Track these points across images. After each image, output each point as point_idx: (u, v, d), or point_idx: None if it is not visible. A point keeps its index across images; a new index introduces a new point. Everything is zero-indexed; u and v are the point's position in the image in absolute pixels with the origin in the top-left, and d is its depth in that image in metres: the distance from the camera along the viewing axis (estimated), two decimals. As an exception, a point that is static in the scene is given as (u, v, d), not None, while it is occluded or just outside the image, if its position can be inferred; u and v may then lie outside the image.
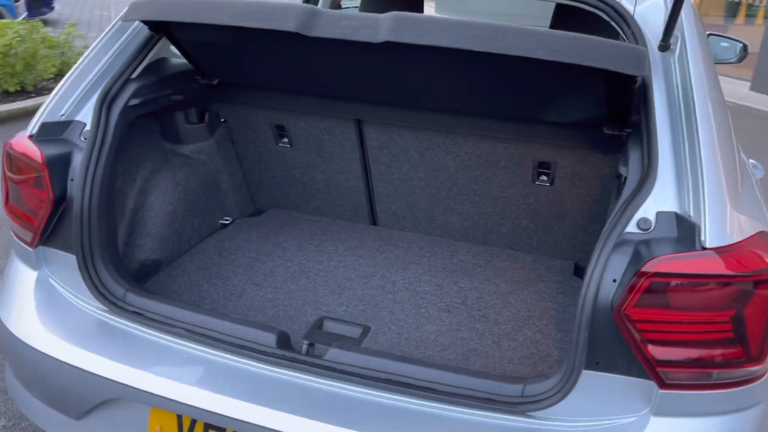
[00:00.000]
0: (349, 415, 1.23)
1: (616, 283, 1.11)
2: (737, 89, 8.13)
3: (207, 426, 1.31)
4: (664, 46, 1.33)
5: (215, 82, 1.84)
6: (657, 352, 1.10)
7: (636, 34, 1.36)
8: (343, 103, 1.81)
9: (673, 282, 1.08)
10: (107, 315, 1.45)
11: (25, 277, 1.54)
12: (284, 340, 1.35)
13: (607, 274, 1.12)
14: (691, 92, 1.26)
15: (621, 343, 1.11)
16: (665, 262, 1.07)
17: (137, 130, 1.75)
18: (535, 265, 1.92)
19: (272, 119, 1.95)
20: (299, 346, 1.35)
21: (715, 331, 1.11)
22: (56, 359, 1.39)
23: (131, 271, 1.71)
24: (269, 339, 1.33)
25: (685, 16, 1.38)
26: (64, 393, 1.42)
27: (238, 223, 2.09)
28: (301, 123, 1.91)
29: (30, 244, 1.50)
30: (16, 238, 1.57)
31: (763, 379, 1.18)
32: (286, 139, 1.99)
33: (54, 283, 1.52)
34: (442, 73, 1.53)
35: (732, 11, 10.98)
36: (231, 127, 2.02)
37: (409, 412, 1.24)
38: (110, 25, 1.63)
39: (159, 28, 1.59)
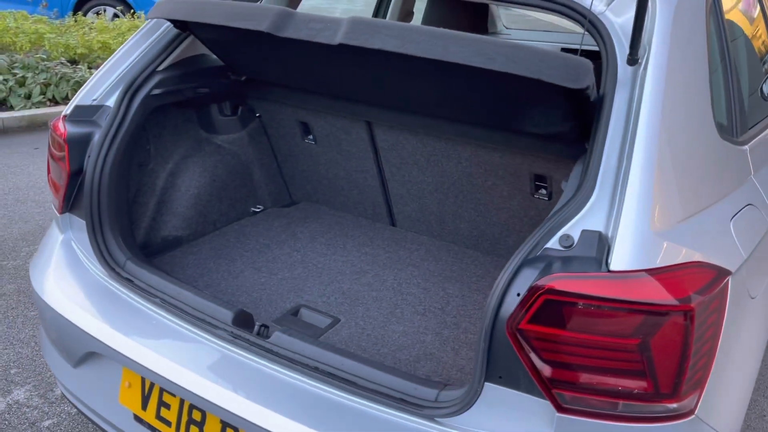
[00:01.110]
0: (274, 397, 1.30)
1: (519, 297, 1.09)
2: None
3: (162, 390, 1.44)
4: (632, 60, 1.27)
5: (243, 78, 1.99)
6: (551, 372, 1.07)
7: (608, 47, 1.31)
8: (354, 105, 1.88)
9: (570, 302, 1.05)
10: (107, 279, 1.63)
11: (53, 239, 1.77)
12: (242, 320, 1.45)
13: (513, 287, 1.10)
14: (640, 107, 1.19)
15: (517, 359, 1.09)
16: (560, 279, 1.04)
17: (172, 118, 1.94)
18: None
19: (297, 116, 2.06)
20: (253, 328, 1.44)
21: (618, 359, 1.06)
22: (56, 311, 1.59)
23: (154, 243, 1.90)
24: (226, 316, 1.44)
25: (660, 26, 1.29)
26: (63, 342, 1.63)
27: (267, 211, 2.24)
28: (320, 121, 2.01)
29: (59, 210, 1.73)
30: (53, 205, 1.81)
31: (688, 419, 1.10)
32: (311, 136, 2.10)
33: (74, 246, 1.73)
34: (429, 80, 1.56)
35: None
36: (265, 122, 2.17)
37: (328, 402, 1.29)
38: (144, 24, 1.83)
39: (183, 27, 1.76)
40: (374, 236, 2.09)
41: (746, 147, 1.60)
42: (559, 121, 1.45)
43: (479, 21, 2.63)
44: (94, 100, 1.73)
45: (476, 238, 1.99)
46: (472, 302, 1.74)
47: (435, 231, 2.08)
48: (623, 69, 1.28)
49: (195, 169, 2.00)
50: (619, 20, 1.36)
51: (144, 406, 1.48)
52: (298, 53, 1.64)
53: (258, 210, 2.23)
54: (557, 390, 1.08)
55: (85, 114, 1.70)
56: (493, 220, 1.90)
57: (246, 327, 1.45)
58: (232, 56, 1.87)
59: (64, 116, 1.71)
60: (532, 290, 1.05)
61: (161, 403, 1.45)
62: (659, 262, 1.06)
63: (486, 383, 1.14)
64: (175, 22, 1.74)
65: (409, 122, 1.81)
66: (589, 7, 1.34)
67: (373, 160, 2.00)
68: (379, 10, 3.26)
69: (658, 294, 1.02)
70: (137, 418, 1.49)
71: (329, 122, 2.00)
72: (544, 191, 1.76)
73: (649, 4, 1.31)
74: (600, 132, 1.21)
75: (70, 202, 1.69)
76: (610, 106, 1.24)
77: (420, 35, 1.24)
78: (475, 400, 1.15)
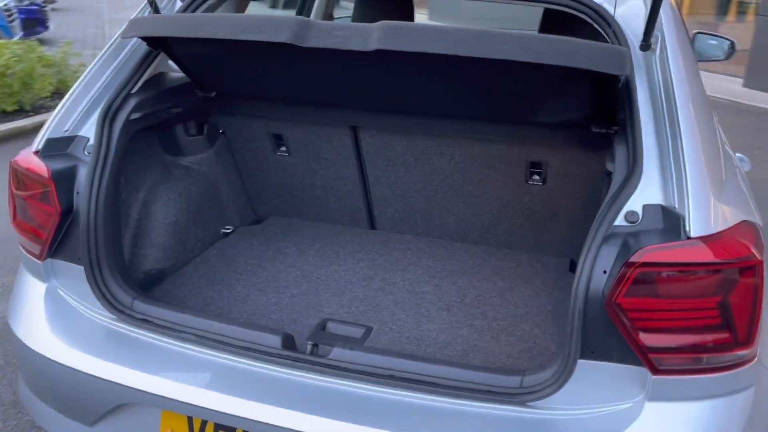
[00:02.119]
0: (354, 411, 1.27)
1: (606, 274, 1.15)
2: (731, 86, 8.19)
3: (217, 426, 1.35)
4: (645, 45, 1.38)
5: (213, 94, 1.89)
6: (648, 339, 1.14)
7: (618, 35, 1.41)
8: (339, 111, 1.85)
9: (661, 271, 1.13)
10: (116, 323, 1.49)
11: (34, 289, 1.58)
12: (289, 342, 1.39)
13: (597, 266, 1.16)
14: (672, 90, 1.31)
15: (614, 332, 1.16)
16: (652, 252, 1.12)
17: (139, 143, 1.79)
18: (531, 263, 1.96)
19: (270, 129, 1.99)
20: (304, 347, 1.39)
21: (703, 317, 1.15)
22: (68, 367, 1.43)
23: (137, 280, 1.75)
24: (275, 341, 1.37)
25: (665, 16, 1.42)
26: (77, 400, 1.46)
27: (239, 231, 2.14)
28: (298, 131, 1.96)
29: (39, 257, 1.54)
30: (24, 252, 1.61)
31: (752, 362, 1.22)
32: (284, 148, 2.04)
33: (63, 294, 1.56)
34: (433, 79, 1.58)
35: (723, 8, 11.06)
36: (229, 138, 2.07)
37: (411, 407, 1.28)
38: (109, 43, 1.68)
39: (157, 44, 1.63)
40: (361, 241, 2.07)
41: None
42: (579, 108, 1.54)
43: (406, 17, 2.67)
44: (66, 131, 1.57)
45: (464, 231, 2.04)
46: (486, 291, 1.79)
47: (420, 229, 2.10)
48: (636, 55, 1.39)
49: (169, 196, 1.87)
50: (620, 10, 1.47)
51: (196, 454, 1.37)
52: (302, 64, 1.60)
53: (228, 231, 2.13)
54: (653, 354, 1.15)
55: (59, 147, 1.54)
56: (483, 210, 1.96)
57: (294, 348, 1.39)
58: (210, 72, 1.77)
59: (36, 152, 1.54)
60: (628, 265, 1.12)
61: (221, 447, 1.35)
62: (728, 224, 1.16)
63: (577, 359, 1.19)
64: (151, 40, 1.61)
65: (400, 123, 1.82)
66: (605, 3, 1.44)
67: (356, 166, 1.98)
68: (301, 14, 3.21)
69: (741, 251, 1.12)
70: (187, 470, 1.38)
71: (308, 131, 1.95)
72: (537, 177, 1.84)
73: None
74: (635, 114, 1.30)
75: (54, 246, 1.52)
76: (635, 90, 1.34)
77: (463, 35, 1.25)
78: (569, 378, 1.19)
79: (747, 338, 1.17)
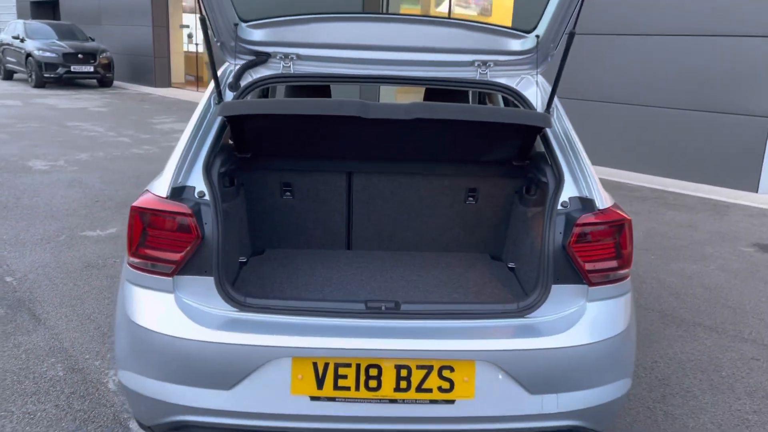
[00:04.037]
0: (417, 334, 2.03)
1: (561, 234, 2.12)
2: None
3: (336, 365, 2.02)
4: (548, 110, 2.42)
5: (249, 155, 2.56)
6: (587, 266, 2.11)
7: (530, 106, 2.44)
8: (340, 162, 2.64)
9: (589, 228, 2.12)
10: (235, 313, 2.09)
11: (162, 300, 2.10)
12: (367, 307, 2.12)
13: (556, 230, 2.12)
14: (568, 133, 2.35)
15: (569, 266, 2.11)
16: (585, 218, 2.11)
17: None
18: (468, 257, 2.89)
19: (282, 179, 2.70)
20: (377, 307, 2.13)
21: (608, 252, 2.16)
22: (214, 343, 1.99)
23: None
24: (361, 306, 2.10)
25: (546, 92, 2.49)
26: (217, 370, 2.01)
27: (251, 261, 2.76)
28: (305, 179, 2.70)
29: (170, 274, 2.09)
30: (145, 273, 2.12)
31: (629, 278, 2.26)
32: (289, 193, 2.75)
33: (185, 299, 2.11)
34: (411, 134, 2.46)
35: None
36: (247, 188, 2.72)
37: (453, 328, 2.07)
38: (193, 119, 2.31)
39: (233, 120, 2.31)
40: (350, 256, 2.82)
41: None
42: (508, 150, 2.53)
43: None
44: (179, 182, 2.16)
45: (418, 241, 2.90)
46: (451, 276, 2.65)
47: (385, 244, 2.91)
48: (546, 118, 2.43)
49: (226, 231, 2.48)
50: (527, 93, 2.51)
51: (320, 386, 2.02)
52: (323, 128, 2.38)
53: (244, 261, 2.74)
54: (590, 275, 2.12)
55: (179, 194, 2.13)
56: (434, 224, 2.85)
57: (372, 309, 2.13)
58: (257, 139, 2.46)
59: (164, 197, 2.11)
60: (577, 226, 2.09)
61: (337, 377, 2.03)
62: (611, 203, 2.21)
63: (551, 285, 2.12)
64: (232, 117, 2.28)
65: (384, 167, 2.66)
66: (514, 86, 2.47)
67: (345, 201, 2.76)
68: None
69: (621, 215, 2.16)
70: (314, 398, 2.03)
71: (313, 178, 2.69)
72: (472, 198, 2.79)
73: (539, 80, 2.50)
74: (552, 148, 2.32)
75: (184, 264, 2.09)
76: (549, 135, 2.37)
77: (465, 109, 2.17)
78: (547, 297, 2.12)
79: (627, 263, 2.21)
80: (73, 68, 17.18)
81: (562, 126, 2.40)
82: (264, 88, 2.71)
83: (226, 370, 2.02)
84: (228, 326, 2.06)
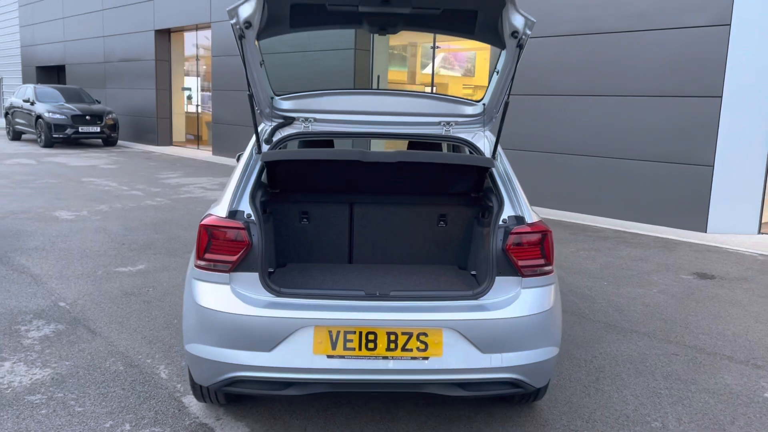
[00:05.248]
0: (401, 310, 2.90)
1: (501, 241, 3.03)
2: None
3: (345, 333, 2.89)
4: (493, 155, 3.37)
5: (278, 190, 3.48)
6: (520, 263, 3.02)
7: (480, 153, 3.40)
8: (344, 195, 3.57)
9: (522, 236, 3.04)
10: (274, 298, 2.96)
11: (221, 290, 2.97)
12: (366, 293, 3.01)
13: (498, 239, 3.04)
14: (508, 172, 3.30)
15: (507, 263, 3.01)
16: (518, 228, 3.04)
17: None
18: (441, 268, 3.78)
19: (300, 208, 3.62)
20: (373, 294, 3.01)
21: (535, 253, 3.08)
22: (260, 317, 2.86)
23: None
24: (362, 294, 2.99)
25: (497, 144, 3.45)
26: (261, 336, 2.87)
27: (277, 271, 3.64)
28: (318, 208, 3.62)
29: (227, 271, 2.97)
30: (209, 272, 3.00)
31: (553, 273, 3.16)
32: (305, 219, 3.66)
33: (239, 290, 2.98)
34: (396, 174, 3.39)
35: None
36: (274, 216, 3.63)
37: (428, 305, 2.95)
38: (241, 163, 3.25)
39: (270, 164, 3.23)
40: (350, 269, 3.71)
41: None
42: (468, 185, 3.46)
43: None
44: (234, 207, 3.07)
45: (401, 255, 3.80)
46: (428, 278, 3.53)
47: (379, 259, 3.80)
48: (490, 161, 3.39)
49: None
50: (478, 143, 3.48)
51: (334, 348, 2.89)
52: (334, 171, 3.32)
53: (272, 270, 3.62)
54: (522, 269, 3.03)
55: (235, 215, 3.04)
56: (415, 243, 3.76)
57: (370, 296, 3.01)
58: (286, 179, 3.38)
59: (223, 217, 3.01)
60: (511, 235, 3.01)
61: (346, 340, 2.89)
62: (537, 218, 3.14)
63: (495, 277, 3.02)
64: (270, 162, 3.21)
65: (377, 199, 3.58)
66: (470, 139, 3.44)
67: (348, 226, 3.67)
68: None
69: (544, 227, 3.09)
70: (329, 356, 2.88)
71: (324, 207, 3.61)
72: (443, 222, 3.71)
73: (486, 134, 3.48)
74: (497, 182, 3.27)
75: (237, 264, 2.98)
76: (494, 173, 3.31)
77: (434, 155, 3.12)
78: (493, 285, 3.02)
79: (550, 261, 3.12)
80: (80, 129, 18.27)
81: (503, 167, 3.35)
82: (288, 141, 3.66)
83: (267, 337, 2.88)
84: (268, 306, 2.93)
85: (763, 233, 8.42)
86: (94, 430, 3.23)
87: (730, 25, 8.19)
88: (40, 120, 18.36)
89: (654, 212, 9.04)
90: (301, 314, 2.87)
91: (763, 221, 8.47)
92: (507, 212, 3.14)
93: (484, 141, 3.52)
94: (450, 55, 14.60)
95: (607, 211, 9.50)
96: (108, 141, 19.29)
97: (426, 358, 2.90)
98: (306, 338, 2.89)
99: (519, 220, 3.11)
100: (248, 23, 2.96)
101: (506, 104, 3.22)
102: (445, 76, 14.79)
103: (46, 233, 7.58)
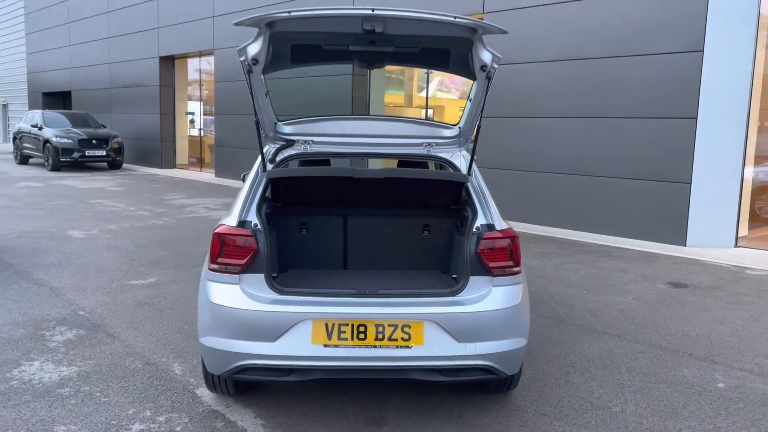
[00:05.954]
0: (389, 305, 3.37)
1: (474, 246, 3.50)
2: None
3: (339, 325, 3.35)
4: (469, 172, 3.85)
5: (280, 204, 3.96)
6: (491, 265, 3.49)
7: (458, 170, 3.88)
8: (339, 208, 4.05)
9: (493, 241, 3.51)
10: (277, 295, 3.42)
11: (232, 289, 3.43)
12: (358, 292, 3.47)
13: (471, 244, 3.51)
14: (482, 186, 3.78)
15: (480, 264, 3.48)
16: (488, 234, 3.51)
17: None
18: (426, 273, 4.24)
19: (300, 220, 4.09)
20: (364, 292, 3.47)
21: (505, 255, 3.55)
22: (264, 311, 3.32)
23: None
24: (353, 292, 3.45)
25: (472, 162, 3.93)
26: (267, 328, 3.32)
27: (279, 276, 4.10)
28: (316, 220, 4.09)
29: (237, 273, 3.44)
30: (221, 273, 3.46)
31: (521, 273, 3.63)
32: (305, 230, 4.13)
33: (247, 288, 3.44)
34: (385, 189, 3.87)
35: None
36: (277, 226, 4.10)
37: (411, 302, 3.41)
38: (249, 180, 3.73)
39: (274, 180, 3.72)
40: (345, 274, 4.17)
41: None
42: (447, 198, 3.94)
43: None
44: (242, 217, 3.55)
45: (390, 261, 4.27)
46: (414, 280, 3.98)
47: (370, 265, 4.27)
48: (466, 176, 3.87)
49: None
50: (456, 161, 3.97)
51: (329, 338, 3.34)
52: (331, 185, 3.81)
53: (275, 275, 4.08)
54: (493, 270, 3.49)
55: (243, 225, 3.51)
56: (401, 250, 4.22)
57: (361, 293, 3.47)
58: (288, 193, 3.86)
59: (234, 226, 3.49)
60: (483, 240, 3.48)
61: (340, 332, 3.34)
62: (507, 226, 3.61)
63: (470, 277, 3.48)
64: (275, 179, 3.70)
65: (368, 211, 4.05)
66: (449, 158, 3.94)
67: (342, 235, 4.14)
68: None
69: (512, 234, 3.56)
70: (326, 346, 3.34)
71: (322, 219, 4.08)
72: (427, 231, 4.18)
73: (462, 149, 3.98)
74: (472, 196, 3.74)
75: (246, 266, 3.44)
76: (470, 188, 3.79)
77: (418, 171, 3.60)
78: (467, 284, 3.48)
79: (518, 262, 3.58)
80: (87, 153, 18.83)
81: (477, 182, 3.83)
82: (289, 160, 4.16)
83: (271, 329, 3.33)
84: (272, 302, 3.39)
85: (739, 246, 8.88)
86: (119, 415, 3.67)
87: (703, 51, 8.74)
88: (48, 144, 18.92)
89: (637, 227, 9.51)
90: (301, 309, 3.33)
91: (739, 235, 8.93)
92: (480, 221, 3.61)
93: (461, 159, 4.01)
94: (447, 79, 15.19)
95: (593, 227, 9.97)
96: (113, 164, 19.84)
97: (409, 347, 3.35)
98: (305, 330, 3.34)
99: (490, 227, 3.58)
100: (255, 60, 3.46)
101: (479, 127, 3.71)
102: (442, 99, 15.39)
103: (61, 250, 8.04)
